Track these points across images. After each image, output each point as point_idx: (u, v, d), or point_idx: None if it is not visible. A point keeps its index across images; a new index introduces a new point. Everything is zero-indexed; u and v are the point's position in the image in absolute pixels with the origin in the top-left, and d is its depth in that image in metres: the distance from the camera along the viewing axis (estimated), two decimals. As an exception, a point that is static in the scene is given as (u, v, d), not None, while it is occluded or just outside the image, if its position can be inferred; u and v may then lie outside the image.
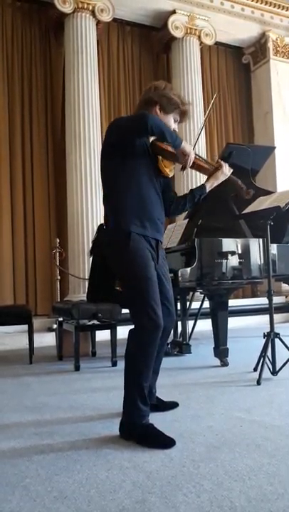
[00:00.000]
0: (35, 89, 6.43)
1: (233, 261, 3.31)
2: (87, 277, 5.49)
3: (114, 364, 3.51)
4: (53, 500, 1.35)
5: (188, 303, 4.14)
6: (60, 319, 3.98)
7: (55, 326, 4.66)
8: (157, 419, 1.94)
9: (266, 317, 3.41)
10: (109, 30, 6.91)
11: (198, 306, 4.45)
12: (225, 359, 3.33)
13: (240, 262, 3.33)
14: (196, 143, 2.19)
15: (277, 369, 2.84)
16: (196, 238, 3.27)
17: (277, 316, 5.07)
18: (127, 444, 1.79)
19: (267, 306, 2.94)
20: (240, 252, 3.34)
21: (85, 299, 4.18)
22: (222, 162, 2.16)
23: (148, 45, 7.30)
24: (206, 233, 3.47)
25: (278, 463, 1.55)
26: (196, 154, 2.07)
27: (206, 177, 2.18)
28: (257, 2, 7.38)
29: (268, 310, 2.92)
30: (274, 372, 2.84)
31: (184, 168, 2.04)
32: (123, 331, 3.98)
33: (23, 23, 6.42)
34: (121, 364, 3.36)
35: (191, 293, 4.18)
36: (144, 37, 7.25)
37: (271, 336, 2.84)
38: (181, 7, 6.87)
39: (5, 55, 6.25)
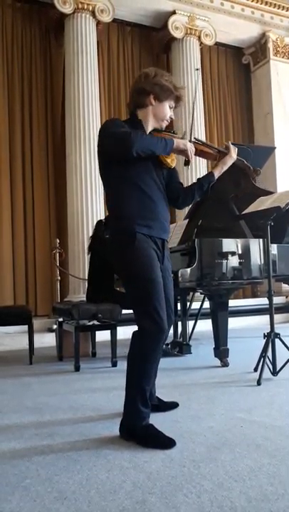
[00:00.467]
0: (35, 89, 6.44)
1: (234, 261, 3.30)
2: (87, 278, 5.49)
3: (114, 364, 3.50)
4: (53, 501, 1.35)
5: (188, 303, 4.14)
6: (60, 320, 3.98)
7: (55, 327, 4.65)
8: (157, 420, 1.94)
9: (266, 317, 3.41)
10: (109, 30, 6.91)
11: (198, 307, 4.45)
12: (225, 359, 3.32)
13: (240, 263, 3.33)
14: (191, 128, 2.14)
15: (277, 369, 2.83)
16: (196, 238, 3.27)
17: (277, 317, 5.07)
18: (127, 444, 1.79)
19: (267, 306, 2.94)
20: (240, 252, 3.34)
21: (85, 299, 4.18)
22: (230, 145, 2.12)
23: (148, 45, 7.30)
24: (206, 233, 3.47)
25: (279, 463, 1.55)
26: (196, 140, 2.05)
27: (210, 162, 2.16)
28: (257, 2, 7.38)
29: (268, 310, 2.92)
30: (274, 373, 2.83)
31: (187, 163, 2.01)
32: (123, 332, 4.01)
33: (23, 24, 6.42)
34: (121, 364, 3.38)
35: (191, 293, 4.18)
36: (144, 37, 7.26)
37: (271, 337, 2.83)
38: (181, 7, 6.87)
39: (5, 56, 6.25)
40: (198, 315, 4.42)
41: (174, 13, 6.82)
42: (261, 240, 3.42)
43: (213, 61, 7.82)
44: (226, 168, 2.13)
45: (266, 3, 7.45)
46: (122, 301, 3.67)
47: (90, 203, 5.92)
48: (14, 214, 6.14)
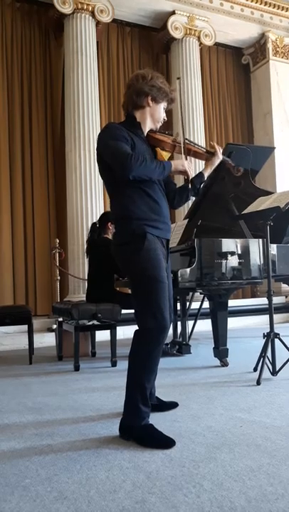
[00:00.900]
0: (34, 89, 6.44)
1: (233, 261, 3.31)
2: (86, 278, 5.50)
3: (113, 364, 3.51)
4: (53, 501, 1.35)
5: (188, 303, 4.14)
6: (60, 319, 3.98)
7: (54, 327, 4.66)
8: (157, 420, 1.94)
9: (266, 317, 3.42)
10: (108, 30, 6.91)
11: (197, 307, 4.45)
12: (225, 359, 3.33)
13: (239, 263, 3.33)
14: (183, 130, 2.19)
15: (277, 369, 2.84)
16: (196, 238, 3.27)
17: (276, 317, 5.08)
18: (126, 444, 1.79)
19: (267, 306, 2.94)
20: (239, 252, 3.34)
21: (84, 299, 4.18)
22: (216, 146, 2.22)
23: (148, 45, 7.31)
24: (205, 233, 3.47)
25: (278, 463, 1.55)
26: (188, 141, 2.11)
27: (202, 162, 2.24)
28: (256, 3, 7.39)
29: (268, 310, 2.92)
30: (274, 373, 2.84)
31: (187, 181, 2.08)
32: (123, 332, 4.02)
33: (22, 24, 6.43)
34: (121, 364, 3.38)
35: (190, 293, 4.18)
36: (143, 37, 7.26)
37: (271, 336, 2.84)
38: (180, 8, 6.87)
39: (5, 56, 6.25)
40: (198, 315, 4.43)
41: (173, 13, 6.83)
42: (261, 240, 3.43)
43: (213, 61, 7.83)
44: (213, 167, 2.24)
45: (265, 3, 7.46)
46: (121, 301, 3.68)
47: (89, 202, 5.92)
48: (14, 214, 6.14)
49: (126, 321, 3.98)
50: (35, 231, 6.30)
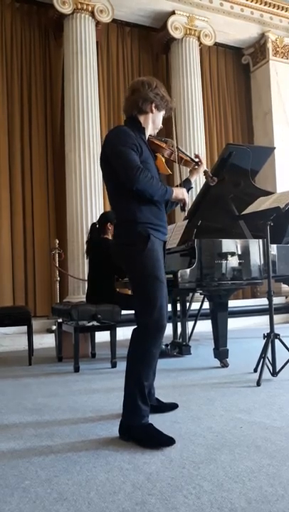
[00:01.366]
0: (34, 89, 6.44)
1: (233, 262, 3.30)
2: (86, 278, 5.49)
3: (113, 365, 3.50)
4: (53, 502, 1.34)
5: (187, 304, 4.14)
6: (60, 320, 3.97)
7: (54, 328, 4.65)
8: (157, 421, 1.94)
9: (266, 318, 3.41)
10: (108, 31, 6.91)
11: (197, 307, 4.44)
12: (225, 360, 3.32)
13: (240, 263, 3.33)
14: (176, 136, 2.30)
15: (277, 370, 2.83)
16: (196, 239, 3.27)
17: (277, 317, 5.07)
18: (126, 445, 1.79)
19: (267, 306, 2.94)
20: (240, 252, 3.34)
21: (84, 300, 4.18)
22: (200, 156, 2.37)
23: (147, 45, 7.30)
24: (205, 234, 3.47)
25: (278, 464, 1.55)
26: (178, 149, 2.23)
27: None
28: (256, 3, 7.38)
29: (268, 311, 2.92)
30: (274, 373, 2.83)
31: (183, 209, 2.18)
32: (123, 332, 4.01)
33: (22, 24, 6.42)
34: (120, 365, 3.38)
35: (190, 294, 4.17)
36: (143, 38, 7.26)
37: (271, 337, 2.83)
38: (180, 8, 6.87)
39: (4, 56, 6.25)
40: (198, 315, 4.42)
41: (173, 13, 6.82)
42: (261, 241, 3.42)
43: (213, 61, 7.82)
44: (198, 174, 2.38)
45: (265, 3, 7.46)
46: (121, 301, 3.67)
47: (89, 203, 5.91)
48: (13, 214, 6.13)
49: (126, 322, 3.96)
50: (34, 232, 6.29)
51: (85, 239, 5.74)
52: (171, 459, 1.63)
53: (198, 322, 4.45)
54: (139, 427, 1.82)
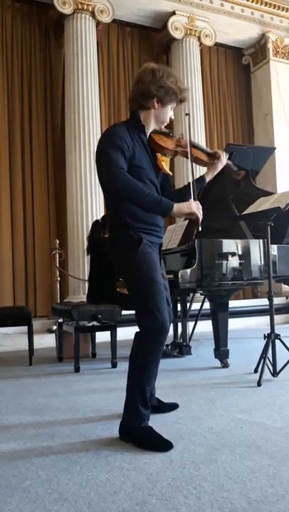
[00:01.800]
0: (35, 90, 6.44)
1: (234, 262, 3.30)
2: (86, 278, 5.49)
3: (114, 365, 3.50)
4: (53, 502, 1.34)
5: (188, 304, 4.14)
6: (60, 320, 3.97)
7: (54, 328, 4.65)
8: (157, 421, 1.94)
9: (266, 318, 3.41)
10: (109, 31, 6.91)
11: (198, 307, 4.44)
12: (225, 360, 3.32)
13: (240, 263, 3.33)
14: (190, 136, 2.15)
15: (277, 370, 2.83)
16: (197, 239, 3.26)
17: (277, 317, 5.07)
18: (127, 445, 1.79)
19: (267, 307, 2.94)
20: (240, 253, 3.34)
21: (84, 300, 4.17)
22: (220, 152, 2.20)
23: (148, 46, 7.31)
24: (206, 234, 3.46)
25: (279, 464, 1.55)
26: (192, 144, 2.07)
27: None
28: (257, 3, 7.38)
29: (269, 311, 2.92)
30: (274, 374, 2.83)
31: (197, 224, 2.06)
32: (123, 333, 4.01)
33: (22, 24, 6.42)
34: (121, 366, 3.38)
35: (191, 294, 4.17)
36: (143, 38, 7.26)
37: (272, 337, 2.83)
38: (180, 8, 6.87)
39: (5, 56, 6.25)
40: (199, 316, 4.42)
41: (173, 13, 6.82)
42: (261, 241, 3.42)
43: (213, 62, 7.82)
44: (216, 173, 2.22)
45: (266, 3, 7.45)
46: (121, 301, 3.67)
47: (89, 203, 5.91)
48: (14, 214, 6.13)
49: (126, 322, 3.96)
50: (35, 232, 6.29)
51: (86, 238, 5.77)
52: (172, 459, 1.63)
53: (199, 322, 4.45)
54: (138, 430, 1.81)
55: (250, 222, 3.53)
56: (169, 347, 4.03)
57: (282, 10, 7.60)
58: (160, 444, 1.74)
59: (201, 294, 3.88)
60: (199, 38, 7.04)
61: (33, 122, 6.40)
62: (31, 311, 4.26)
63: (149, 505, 1.30)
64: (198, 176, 2.22)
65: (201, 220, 1.97)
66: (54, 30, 6.53)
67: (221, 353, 3.31)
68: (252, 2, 7.33)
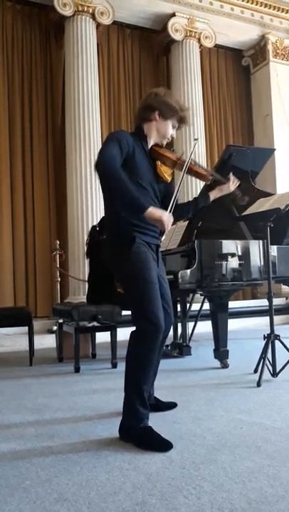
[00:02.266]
0: (35, 91, 6.45)
1: (233, 263, 3.31)
2: (87, 279, 5.50)
3: (114, 366, 3.50)
4: (53, 503, 1.34)
5: (188, 304, 4.14)
6: (61, 321, 3.98)
7: (55, 328, 4.66)
8: (157, 421, 1.94)
9: (266, 319, 3.41)
10: (109, 32, 6.92)
11: (198, 308, 4.45)
12: (225, 361, 3.32)
13: (240, 264, 3.33)
14: (191, 154, 2.21)
15: (277, 371, 2.83)
16: (196, 240, 3.27)
17: (277, 318, 5.08)
18: (127, 445, 1.79)
19: (267, 307, 2.94)
20: (240, 253, 3.34)
21: (85, 300, 4.18)
22: (232, 177, 2.27)
23: (148, 47, 7.32)
24: (206, 235, 3.47)
25: (279, 465, 1.55)
26: (193, 161, 2.14)
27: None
28: (256, 5, 7.40)
29: (268, 312, 2.92)
30: (274, 374, 2.83)
31: (161, 234, 2.03)
32: (123, 333, 4.00)
33: (23, 26, 6.43)
34: (121, 366, 3.37)
35: (191, 295, 4.18)
36: (144, 39, 7.27)
37: (271, 338, 2.84)
38: (180, 10, 6.88)
39: (5, 58, 6.26)
40: (198, 316, 4.42)
41: (173, 15, 6.83)
42: (261, 242, 3.43)
43: (213, 63, 7.83)
44: (220, 195, 2.31)
45: (266, 5, 7.47)
46: (121, 302, 3.68)
47: (90, 203, 5.92)
48: (14, 215, 6.14)
49: (126, 323, 3.95)
50: (35, 232, 6.30)
51: (86, 240, 5.78)
52: (172, 459, 1.64)
53: (199, 323, 4.46)
54: (138, 430, 1.82)
55: (250, 223, 3.54)
56: (169, 347, 4.04)
57: (282, 11, 7.61)
58: (160, 444, 1.75)
59: (201, 295, 3.89)
60: (199, 40, 7.05)
61: (34, 123, 6.40)
62: (32, 311, 4.27)
63: (148, 506, 1.30)
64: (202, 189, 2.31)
65: (165, 233, 1.97)
66: (54, 31, 6.54)
67: (221, 353, 3.31)
68: (252, 4, 7.35)
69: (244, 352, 3.95)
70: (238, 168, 3.62)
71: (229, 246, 3.32)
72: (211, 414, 2.18)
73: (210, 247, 3.28)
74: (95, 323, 3.59)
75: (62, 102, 6.44)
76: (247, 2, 7.30)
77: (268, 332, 2.86)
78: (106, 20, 6.35)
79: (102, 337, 4.14)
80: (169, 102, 2.06)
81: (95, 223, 5.82)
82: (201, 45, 7.12)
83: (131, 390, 1.86)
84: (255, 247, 3.42)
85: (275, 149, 5.02)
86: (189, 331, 4.18)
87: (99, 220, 4.60)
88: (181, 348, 3.95)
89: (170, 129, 2.10)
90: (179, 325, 4.08)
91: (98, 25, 6.35)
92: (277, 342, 2.84)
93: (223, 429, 1.94)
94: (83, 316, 3.53)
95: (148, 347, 1.85)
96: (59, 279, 5.65)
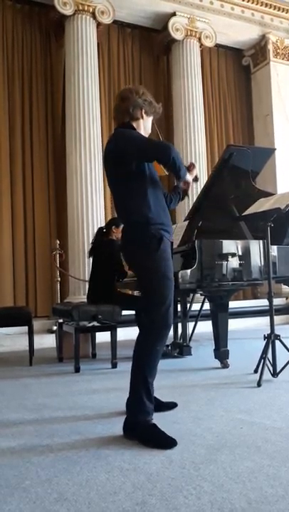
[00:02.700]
0: (35, 91, 6.44)
1: (234, 263, 3.30)
2: (87, 279, 5.50)
3: (114, 366, 3.50)
4: (53, 502, 1.34)
5: (188, 304, 4.14)
6: (60, 321, 3.98)
7: (55, 328, 4.66)
8: (157, 421, 1.94)
9: (266, 319, 3.41)
10: (109, 32, 6.92)
11: (198, 308, 4.44)
12: (225, 361, 3.32)
13: (240, 264, 3.33)
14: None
15: (277, 371, 2.83)
16: (197, 240, 3.27)
17: (277, 318, 5.07)
18: (127, 445, 1.79)
19: (267, 307, 2.94)
20: (240, 253, 3.34)
21: (85, 300, 4.18)
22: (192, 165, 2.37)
23: (148, 47, 7.31)
24: (206, 235, 3.47)
25: (279, 465, 1.55)
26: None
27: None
28: (257, 4, 7.39)
29: (269, 312, 2.92)
30: (274, 374, 2.83)
31: (186, 193, 2.29)
32: (123, 333, 4.01)
33: (23, 25, 6.43)
34: (121, 366, 3.38)
35: (191, 294, 4.17)
36: (144, 39, 7.26)
37: (271, 338, 2.83)
38: (181, 9, 6.87)
39: (5, 57, 6.25)
40: (199, 316, 4.42)
41: (174, 14, 6.83)
42: (261, 242, 3.42)
43: (214, 63, 7.83)
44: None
45: (266, 5, 7.46)
46: (121, 302, 3.68)
47: (90, 203, 5.92)
48: (14, 215, 6.14)
49: (126, 323, 3.97)
50: (35, 232, 6.29)
51: (86, 239, 5.79)
52: (172, 459, 1.63)
53: (199, 323, 4.45)
54: (143, 427, 1.83)
55: (250, 223, 3.53)
56: (169, 347, 4.03)
57: (283, 11, 7.61)
58: (164, 441, 1.77)
59: (201, 295, 3.88)
60: (200, 39, 7.05)
61: (34, 122, 6.40)
62: (32, 311, 4.27)
63: (149, 506, 1.30)
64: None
65: (190, 183, 2.21)
66: (54, 31, 6.54)
67: (221, 353, 3.31)
68: (252, 3, 7.34)
69: (244, 352, 3.94)
70: (238, 167, 3.62)
71: (229, 246, 3.32)
72: (211, 414, 2.18)
73: (210, 246, 3.28)
74: (95, 323, 3.59)
75: (62, 101, 6.43)
76: (247, 2, 7.30)
77: (269, 332, 2.86)
78: (106, 20, 6.35)
79: (102, 337, 4.14)
80: (150, 99, 2.17)
81: (94, 223, 5.87)
82: (201, 45, 7.11)
83: (138, 383, 1.91)
84: (256, 247, 3.42)
85: (275, 149, 5.02)
86: (189, 330, 4.17)
87: (97, 221, 4.63)
88: (182, 348, 3.94)
89: (150, 125, 2.23)
90: (180, 325, 4.08)
91: (98, 24, 6.34)
92: (277, 342, 2.84)
93: (223, 429, 1.94)
94: (83, 315, 3.53)
95: (156, 341, 1.95)
96: (59, 279, 5.64)
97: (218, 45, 7.55)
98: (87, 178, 5.93)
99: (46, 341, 4.93)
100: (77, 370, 3.41)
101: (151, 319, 1.96)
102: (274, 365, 2.84)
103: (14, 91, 6.29)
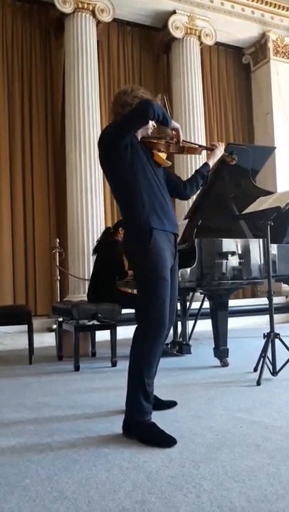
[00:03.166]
0: (35, 89, 6.43)
1: (233, 261, 3.30)
2: (86, 277, 5.50)
3: (113, 364, 3.50)
4: (53, 501, 1.34)
5: (188, 303, 4.14)
6: (60, 319, 3.98)
7: (54, 326, 4.66)
8: (157, 420, 1.94)
9: (266, 317, 3.41)
10: (109, 30, 6.90)
11: (198, 306, 4.44)
12: (225, 359, 3.32)
13: (240, 263, 3.33)
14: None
15: (277, 369, 2.83)
16: (196, 238, 3.26)
17: (277, 317, 5.07)
18: (127, 444, 1.79)
19: (267, 306, 2.94)
20: (240, 252, 3.34)
21: (85, 299, 4.17)
22: (216, 143, 2.44)
23: (148, 45, 7.30)
24: (206, 233, 3.47)
25: (278, 463, 1.55)
26: (184, 141, 2.24)
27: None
28: (257, 2, 7.38)
29: (268, 310, 2.92)
30: (274, 373, 2.83)
31: (178, 141, 2.19)
32: (123, 332, 4.01)
33: (23, 23, 6.41)
34: (120, 364, 3.38)
35: (191, 293, 4.17)
36: (144, 37, 7.25)
37: (271, 337, 2.83)
38: (181, 7, 6.86)
39: (5, 56, 6.24)
40: (198, 315, 4.42)
41: (174, 12, 6.81)
42: (261, 240, 3.42)
43: (214, 61, 7.81)
44: (216, 159, 2.43)
45: (266, 3, 7.45)
46: (121, 300, 3.68)
47: (89, 202, 5.91)
48: (14, 213, 6.13)
49: (126, 321, 3.96)
50: (35, 231, 6.29)
51: (86, 238, 5.80)
52: (171, 457, 1.64)
53: (199, 321, 4.45)
54: (142, 426, 1.83)
55: (250, 222, 3.53)
56: (169, 346, 4.04)
57: (283, 9, 7.59)
58: (164, 440, 1.76)
59: (201, 293, 3.89)
60: (200, 37, 7.03)
61: (34, 121, 6.39)
62: (31, 309, 4.26)
63: (148, 504, 1.30)
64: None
65: (181, 138, 2.16)
66: (54, 29, 6.52)
67: (221, 352, 3.31)
68: (252, 1, 7.33)
69: (244, 350, 3.95)
70: (238, 166, 3.61)
71: (229, 244, 3.32)
72: (211, 412, 2.18)
73: (210, 245, 3.28)
74: (95, 322, 3.59)
75: (62, 99, 6.43)
76: (247, 0, 7.28)
77: (268, 331, 2.86)
78: (106, 18, 6.34)
79: (102, 335, 4.15)
80: (140, 94, 2.14)
81: (94, 222, 5.88)
82: (201, 43, 7.10)
83: (134, 384, 1.89)
84: (256, 246, 3.42)
85: (275, 148, 5.02)
86: (189, 329, 4.17)
87: (97, 220, 4.63)
88: (181, 347, 3.95)
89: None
90: (179, 323, 4.08)
91: (98, 22, 6.33)
92: (277, 341, 2.84)
93: (223, 428, 1.94)
94: (83, 314, 3.53)
95: (152, 341, 1.91)
96: (59, 278, 5.64)
97: (218, 44, 7.54)
98: (87, 176, 5.92)
99: (46, 340, 4.93)
100: (76, 368, 3.41)
101: (145, 319, 1.93)
102: (274, 363, 2.84)
103: (14, 90, 6.28)
